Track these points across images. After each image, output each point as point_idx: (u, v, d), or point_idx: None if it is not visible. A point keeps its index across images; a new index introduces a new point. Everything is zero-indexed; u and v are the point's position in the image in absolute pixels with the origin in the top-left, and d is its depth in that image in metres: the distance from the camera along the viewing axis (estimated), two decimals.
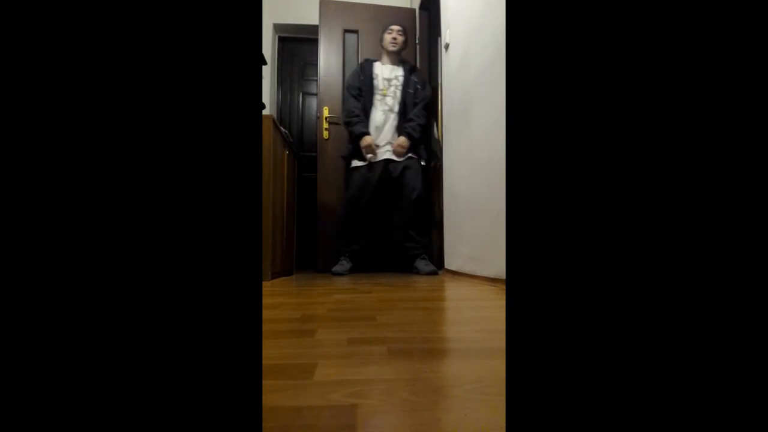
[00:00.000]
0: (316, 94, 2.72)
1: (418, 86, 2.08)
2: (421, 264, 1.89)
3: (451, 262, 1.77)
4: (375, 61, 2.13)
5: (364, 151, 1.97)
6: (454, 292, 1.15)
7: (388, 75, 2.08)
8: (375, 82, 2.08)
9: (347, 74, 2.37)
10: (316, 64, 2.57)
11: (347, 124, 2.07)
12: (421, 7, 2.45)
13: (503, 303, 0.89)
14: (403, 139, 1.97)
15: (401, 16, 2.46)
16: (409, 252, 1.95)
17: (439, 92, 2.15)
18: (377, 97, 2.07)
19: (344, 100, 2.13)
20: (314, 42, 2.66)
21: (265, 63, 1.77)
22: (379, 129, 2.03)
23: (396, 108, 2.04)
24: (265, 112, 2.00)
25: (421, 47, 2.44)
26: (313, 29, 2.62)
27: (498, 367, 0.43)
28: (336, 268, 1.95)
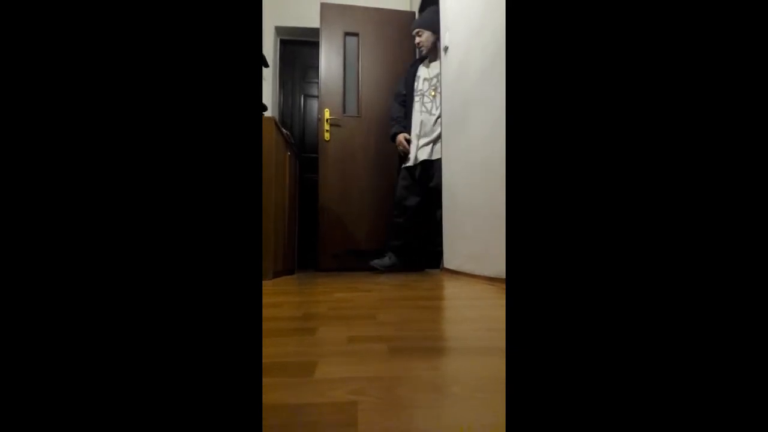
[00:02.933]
0: (317, 97, 2.73)
1: None
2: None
3: (450, 261, 1.77)
4: (422, 61, 2.12)
5: (397, 145, 2.07)
6: (453, 291, 1.15)
7: (428, 75, 2.07)
8: (416, 84, 2.09)
9: (347, 76, 2.37)
10: (317, 67, 2.58)
11: (391, 127, 2.17)
12: (421, 10, 2.45)
13: (502, 302, 0.89)
14: None
15: (401, 19, 2.47)
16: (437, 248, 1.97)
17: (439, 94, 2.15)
18: (416, 99, 2.08)
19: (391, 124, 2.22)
20: (315, 45, 2.67)
21: (267, 65, 1.78)
22: (418, 132, 2.05)
23: (434, 109, 2.03)
24: (267, 114, 2.01)
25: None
26: (314, 32, 2.63)
27: (497, 365, 0.43)
28: (375, 262, 2.03)
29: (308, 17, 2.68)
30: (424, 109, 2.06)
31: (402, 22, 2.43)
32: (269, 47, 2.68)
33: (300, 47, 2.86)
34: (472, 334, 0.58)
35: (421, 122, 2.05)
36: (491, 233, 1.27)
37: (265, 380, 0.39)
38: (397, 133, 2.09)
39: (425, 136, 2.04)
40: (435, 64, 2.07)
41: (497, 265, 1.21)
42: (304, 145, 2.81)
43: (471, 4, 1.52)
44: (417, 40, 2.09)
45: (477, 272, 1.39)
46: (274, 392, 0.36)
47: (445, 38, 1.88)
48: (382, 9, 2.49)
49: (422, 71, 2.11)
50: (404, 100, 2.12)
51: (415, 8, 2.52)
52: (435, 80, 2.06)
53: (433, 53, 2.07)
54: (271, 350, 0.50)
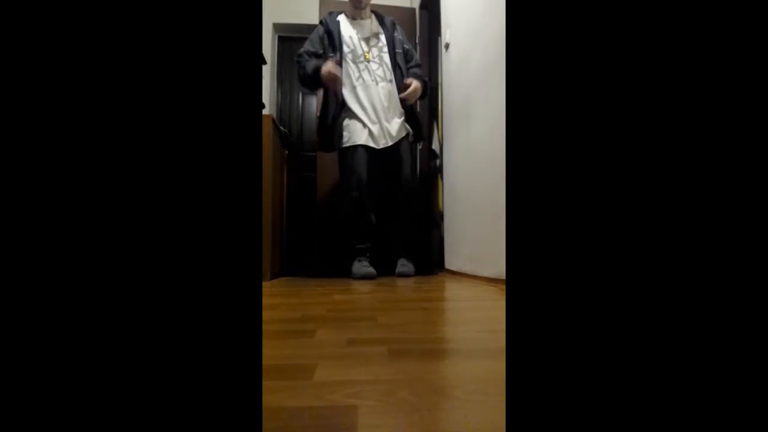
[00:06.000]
0: (315, 94, 2.72)
1: (405, 45, 1.67)
2: (398, 264, 1.62)
3: (451, 262, 1.77)
4: (339, 14, 1.66)
5: (326, 79, 1.49)
6: (454, 292, 1.15)
7: (365, 35, 1.62)
8: (347, 43, 1.59)
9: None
10: None
11: (301, 73, 1.54)
12: (422, 6, 2.45)
13: (504, 303, 0.89)
14: (417, 84, 1.56)
15: (401, 15, 2.46)
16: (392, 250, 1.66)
17: (439, 92, 2.15)
18: (360, 66, 1.57)
19: (299, 66, 1.59)
20: None
21: (265, 63, 1.77)
22: (378, 105, 1.58)
23: (389, 75, 1.61)
24: (264, 111, 2.00)
25: (422, 47, 2.44)
26: (313, 29, 2.62)
27: (499, 367, 0.43)
28: (404, 270, 1.58)
29: (307, 13, 2.66)
30: (377, 77, 1.58)
31: (402, 19, 2.41)
32: (267, 44, 2.67)
33: (299, 44, 2.82)
34: (473, 335, 0.58)
35: (389, 92, 1.56)
36: (492, 234, 1.27)
37: (264, 383, 0.39)
38: (318, 67, 1.48)
39: (392, 109, 1.58)
40: (366, 22, 1.61)
41: (498, 266, 1.21)
42: (302, 144, 2.80)
43: (472, 2, 1.51)
44: None
45: (478, 273, 1.39)
46: (273, 395, 0.35)
47: (446, 35, 1.88)
48: (382, 5, 2.48)
49: (347, 28, 1.60)
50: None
51: (416, 5, 2.51)
52: (376, 41, 1.59)
53: (362, 11, 1.63)
54: (269, 353, 0.50)
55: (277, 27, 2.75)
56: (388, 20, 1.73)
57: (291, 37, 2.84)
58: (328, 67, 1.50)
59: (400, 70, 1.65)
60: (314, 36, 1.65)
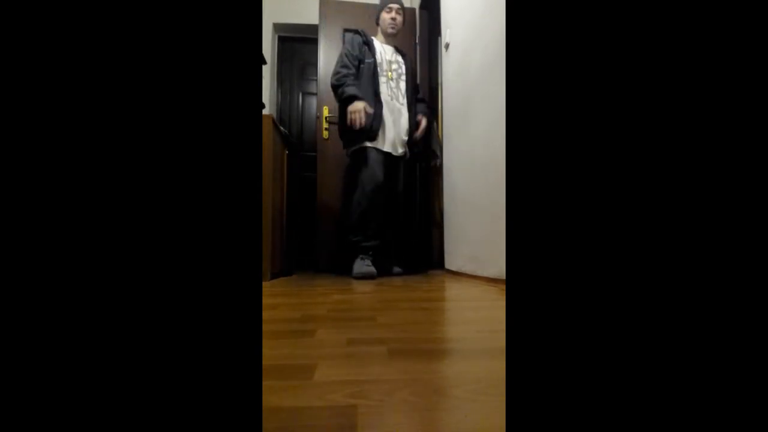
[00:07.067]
0: (315, 94, 2.72)
1: (417, 81, 1.91)
2: (394, 268, 1.76)
3: (451, 262, 1.77)
4: (371, 35, 1.81)
5: (351, 118, 1.56)
6: (454, 292, 1.15)
7: (389, 57, 1.77)
8: (378, 55, 1.73)
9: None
10: (315, 64, 2.57)
11: (336, 87, 1.62)
12: (422, 6, 2.45)
13: (504, 303, 0.89)
14: (425, 121, 1.76)
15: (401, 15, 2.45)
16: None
17: (439, 92, 2.15)
18: (383, 80, 1.70)
19: (337, 65, 1.69)
20: (314, 41, 2.66)
21: (265, 63, 1.77)
22: (397, 117, 1.73)
23: (402, 100, 1.76)
24: (264, 111, 2.00)
25: (421, 47, 2.44)
26: (313, 29, 2.62)
27: (499, 367, 0.43)
28: (398, 269, 1.72)
29: (307, 13, 2.66)
30: (399, 96, 1.74)
31: (402, 19, 2.41)
32: (267, 44, 2.67)
33: (298, 44, 2.84)
34: (473, 335, 0.58)
35: (399, 112, 1.72)
36: (492, 233, 1.27)
37: (264, 383, 0.39)
38: (355, 97, 1.55)
39: (402, 126, 1.74)
40: (390, 49, 1.77)
41: (498, 266, 1.21)
42: (302, 144, 2.80)
43: (472, 2, 1.51)
44: (396, 18, 1.73)
45: (478, 273, 1.39)
46: (273, 395, 0.35)
47: (446, 35, 1.88)
48: None
49: (378, 45, 1.75)
50: (358, 65, 1.67)
51: (416, 5, 2.51)
52: (397, 66, 1.75)
53: (391, 39, 1.80)
54: (270, 353, 0.50)
55: (277, 27, 2.75)
56: (403, 53, 1.90)
57: (291, 37, 2.84)
58: (359, 107, 1.56)
59: (407, 101, 1.81)
60: (354, 42, 1.74)
